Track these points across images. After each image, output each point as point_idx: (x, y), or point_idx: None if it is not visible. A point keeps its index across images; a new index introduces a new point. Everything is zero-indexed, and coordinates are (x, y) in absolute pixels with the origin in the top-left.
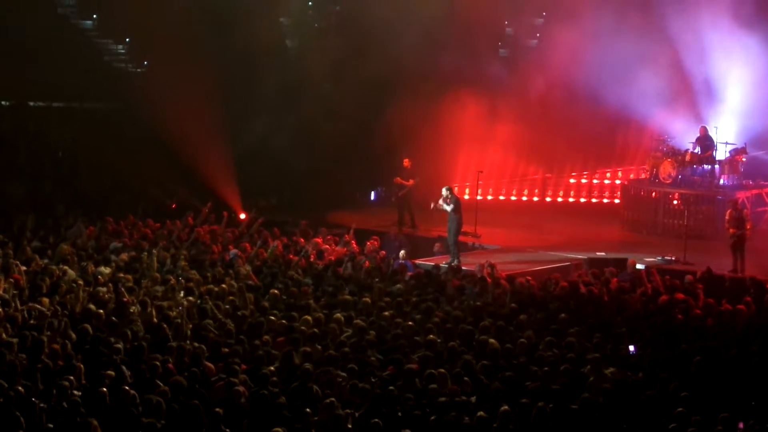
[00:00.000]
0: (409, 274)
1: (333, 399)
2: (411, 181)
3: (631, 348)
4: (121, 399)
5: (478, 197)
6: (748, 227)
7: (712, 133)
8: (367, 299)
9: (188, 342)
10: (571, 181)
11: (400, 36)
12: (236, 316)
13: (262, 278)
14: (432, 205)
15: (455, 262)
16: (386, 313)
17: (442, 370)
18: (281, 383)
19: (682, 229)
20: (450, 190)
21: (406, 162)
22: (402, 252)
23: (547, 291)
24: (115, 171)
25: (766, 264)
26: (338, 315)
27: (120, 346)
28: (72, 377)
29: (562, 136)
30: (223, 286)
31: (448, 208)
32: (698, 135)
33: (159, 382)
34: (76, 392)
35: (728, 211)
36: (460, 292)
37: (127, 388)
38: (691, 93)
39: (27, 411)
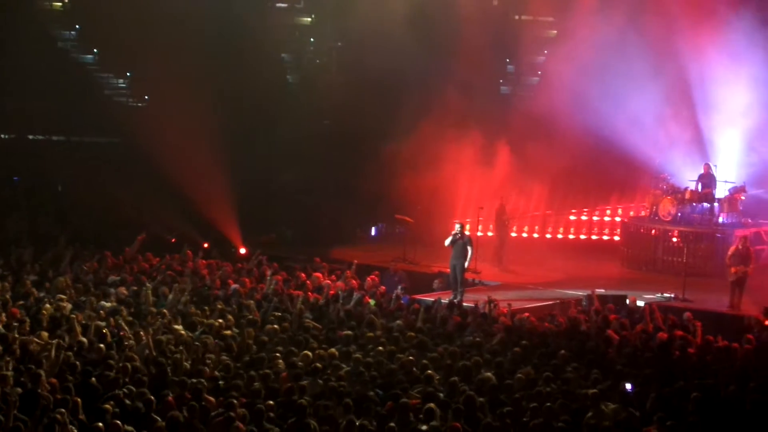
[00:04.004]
0: (415, 306)
1: None
2: (511, 220)
3: (628, 386)
4: None
5: (479, 233)
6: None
7: (714, 171)
8: (370, 334)
9: (187, 376)
10: (571, 218)
11: (401, 72)
12: (235, 350)
13: (262, 313)
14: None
15: (458, 297)
16: (385, 348)
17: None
18: (279, 418)
19: (681, 266)
20: (462, 226)
21: (503, 200)
22: (399, 287)
23: (546, 327)
24: (114, 205)
25: (763, 301)
26: (336, 350)
27: (118, 380)
28: (69, 412)
29: (563, 173)
30: (221, 320)
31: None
32: (701, 172)
33: (157, 416)
34: (72, 427)
35: (732, 248)
36: (461, 328)
37: (119, 423)
38: (693, 129)
39: None
